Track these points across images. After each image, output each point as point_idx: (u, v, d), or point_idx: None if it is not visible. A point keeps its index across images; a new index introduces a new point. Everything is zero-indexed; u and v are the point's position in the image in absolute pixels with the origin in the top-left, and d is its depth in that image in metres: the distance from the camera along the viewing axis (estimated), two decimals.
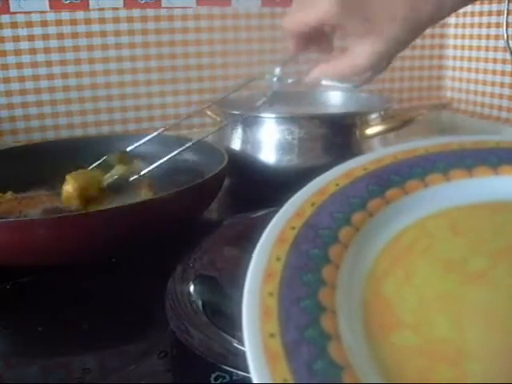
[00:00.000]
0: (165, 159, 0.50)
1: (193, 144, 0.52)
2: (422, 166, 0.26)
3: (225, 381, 0.29)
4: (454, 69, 1.00)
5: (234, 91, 0.54)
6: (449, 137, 0.28)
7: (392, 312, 0.20)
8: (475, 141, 0.28)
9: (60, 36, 0.79)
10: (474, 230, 0.23)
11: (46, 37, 0.78)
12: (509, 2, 0.82)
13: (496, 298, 0.19)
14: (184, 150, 0.52)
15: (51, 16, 0.77)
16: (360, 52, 0.40)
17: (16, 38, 0.77)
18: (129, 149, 0.54)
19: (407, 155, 0.27)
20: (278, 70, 0.48)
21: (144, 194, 0.50)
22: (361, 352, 0.19)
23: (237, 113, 0.61)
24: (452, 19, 0.98)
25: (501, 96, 0.89)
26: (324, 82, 0.46)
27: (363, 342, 0.19)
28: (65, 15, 0.78)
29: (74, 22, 0.79)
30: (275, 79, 0.49)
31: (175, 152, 0.51)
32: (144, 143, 0.56)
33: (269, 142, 0.60)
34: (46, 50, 0.78)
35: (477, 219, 0.24)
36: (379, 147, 0.61)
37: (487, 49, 0.90)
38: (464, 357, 0.18)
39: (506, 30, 0.77)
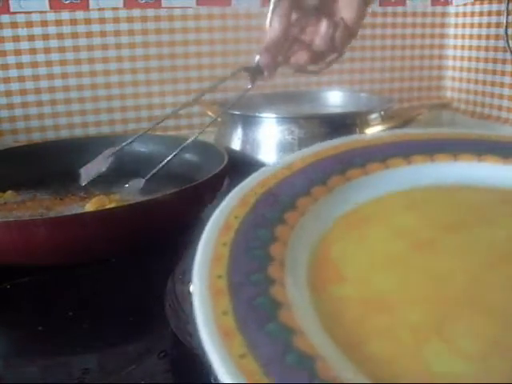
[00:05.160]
0: (161, 165, 0.50)
1: (188, 144, 0.52)
2: (383, 150, 0.28)
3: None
4: (453, 69, 1.00)
5: (220, 83, 0.55)
6: (410, 128, 0.30)
7: (337, 269, 0.21)
8: (436, 132, 0.30)
9: (60, 36, 0.78)
10: (430, 207, 0.25)
11: (45, 37, 0.78)
12: (509, 2, 0.82)
13: (440, 264, 0.21)
14: (181, 149, 0.52)
15: (51, 16, 0.77)
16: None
17: (16, 38, 0.77)
18: (117, 148, 0.53)
19: (373, 142, 0.29)
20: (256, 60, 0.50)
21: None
22: (302, 297, 0.20)
23: (237, 113, 0.61)
24: (452, 19, 0.98)
25: (501, 96, 0.89)
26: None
27: (306, 291, 0.20)
28: (65, 15, 0.78)
29: (73, 22, 0.79)
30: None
31: (171, 155, 0.51)
32: (143, 143, 0.56)
33: (269, 141, 0.60)
34: (46, 50, 0.78)
35: (433, 198, 0.26)
36: None
37: (487, 49, 0.90)
38: (397, 305, 0.19)
39: (506, 29, 0.77)
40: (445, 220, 0.24)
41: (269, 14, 0.48)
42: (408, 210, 0.25)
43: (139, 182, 0.50)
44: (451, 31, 0.98)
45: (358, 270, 0.22)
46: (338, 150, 0.29)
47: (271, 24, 0.48)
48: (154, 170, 0.51)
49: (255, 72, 0.51)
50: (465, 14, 0.95)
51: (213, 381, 0.29)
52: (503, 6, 0.84)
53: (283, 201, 0.25)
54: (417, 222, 0.24)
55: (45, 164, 0.59)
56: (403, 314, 0.19)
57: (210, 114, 0.69)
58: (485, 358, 0.17)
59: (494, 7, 0.88)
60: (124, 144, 0.53)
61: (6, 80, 0.78)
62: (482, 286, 0.20)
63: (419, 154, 0.28)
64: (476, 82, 0.94)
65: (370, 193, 0.26)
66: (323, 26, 0.48)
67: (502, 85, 0.89)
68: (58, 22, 0.78)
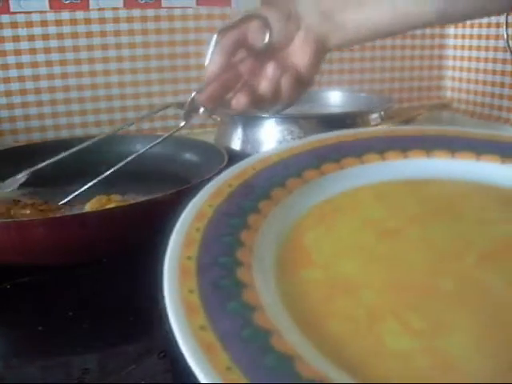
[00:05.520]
0: (131, 157, 0.49)
1: (163, 139, 0.51)
2: (359, 146, 0.29)
3: None
4: (453, 69, 1.00)
5: (145, 118, 0.53)
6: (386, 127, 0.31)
7: (306, 255, 0.23)
8: (410, 129, 0.32)
9: (60, 36, 0.79)
10: (399, 200, 0.26)
11: (45, 37, 0.78)
12: None
13: (402, 253, 0.22)
14: (152, 146, 0.50)
15: (51, 16, 0.77)
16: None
17: (16, 38, 0.77)
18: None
19: (348, 138, 0.30)
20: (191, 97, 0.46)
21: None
22: (269, 279, 0.21)
23: (237, 113, 0.61)
24: None
25: (501, 96, 0.89)
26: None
27: (274, 274, 0.21)
28: (65, 15, 0.78)
29: (73, 22, 0.79)
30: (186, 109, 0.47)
31: (132, 155, 0.49)
32: (142, 143, 0.56)
33: (269, 141, 0.60)
34: (46, 50, 0.78)
35: (403, 192, 0.27)
36: None
37: (487, 49, 0.90)
38: (359, 289, 0.21)
39: (506, 29, 0.77)
40: (411, 212, 0.25)
41: (210, 49, 0.44)
42: (378, 202, 0.26)
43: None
44: (451, 31, 0.99)
45: (327, 256, 0.23)
46: (314, 146, 0.30)
47: (211, 59, 0.45)
48: (118, 165, 0.48)
49: (190, 109, 0.47)
50: None
51: None
52: None
53: (258, 191, 0.25)
54: (385, 214, 0.25)
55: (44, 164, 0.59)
56: (363, 297, 0.20)
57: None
58: (433, 335, 0.18)
59: None
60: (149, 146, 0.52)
61: (6, 80, 0.78)
62: (438, 273, 0.21)
63: (393, 150, 0.29)
64: (476, 82, 0.94)
65: (343, 186, 0.27)
66: (269, 68, 0.45)
67: (502, 85, 0.89)
68: (58, 22, 0.78)
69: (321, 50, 0.46)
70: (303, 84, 0.47)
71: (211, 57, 0.44)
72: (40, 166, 0.50)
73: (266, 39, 0.45)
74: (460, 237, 0.24)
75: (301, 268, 0.22)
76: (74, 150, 0.50)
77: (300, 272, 0.22)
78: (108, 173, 0.48)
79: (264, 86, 0.46)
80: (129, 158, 0.49)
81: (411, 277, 0.21)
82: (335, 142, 0.30)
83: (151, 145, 0.51)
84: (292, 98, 0.47)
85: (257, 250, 0.22)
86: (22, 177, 0.49)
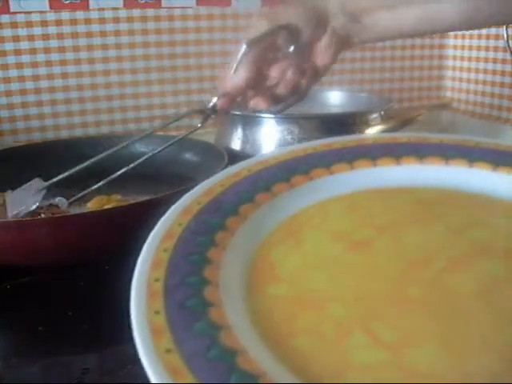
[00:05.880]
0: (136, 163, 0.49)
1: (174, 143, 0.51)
2: (328, 157, 0.29)
3: None
4: (453, 69, 1.00)
5: (173, 122, 0.53)
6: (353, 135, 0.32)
7: (273, 271, 0.22)
8: (379, 137, 0.32)
9: (60, 36, 0.78)
10: (368, 209, 0.26)
11: (45, 37, 0.78)
12: None
13: (370, 263, 0.22)
14: (168, 146, 0.50)
15: (51, 16, 0.77)
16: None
17: (16, 38, 0.77)
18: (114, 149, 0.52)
19: (317, 149, 0.30)
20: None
21: None
22: (236, 297, 0.21)
23: (237, 113, 0.61)
24: None
25: (501, 96, 0.89)
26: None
27: (241, 291, 0.21)
28: (65, 15, 0.78)
29: (74, 22, 0.79)
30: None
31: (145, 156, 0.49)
32: (142, 143, 0.56)
33: (269, 141, 0.60)
34: (46, 50, 0.78)
35: (373, 201, 0.27)
36: None
37: (487, 49, 0.90)
38: (326, 303, 0.21)
39: (506, 29, 0.77)
40: (381, 222, 0.25)
41: (237, 60, 0.44)
42: (347, 213, 0.26)
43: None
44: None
45: (294, 270, 0.23)
46: (283, 159, 0.29)
47: (236, 71, 0.44)
48: (121, 171, 0.48)
49: (209, 113, 0.49)
50: None
51: None
52: None
53: (226, 208, 0.25)
54: (354, 225, 0.25)
55: (45, 164, 0.59)
56: (330, 311, 0.20)
57: None
58: (401, 347, 0.18)
59: None
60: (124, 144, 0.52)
61: (6, 80, 0.78)
62: (406, 282, 0.21)
63: (363, 159, 0.29)
64: (476, 82, 0.94)
65: (313, 198, 0.27)
66: (290, 72, 0.45)
67: (502, 85, 0.89)
68: (58, 22, 0.78)
69: (342, 49, 0.46)
70: (318, 79, 0.47)
71: (237, 68, 0.44)
72: (65, 175, 0.49)
73: (292, 48, 0.45)
74: (429, 244, 0.23)
75: (268, 284, 0.22)
76: (110, 151, 0.49)
77: (267, 288, 0.22)
78: (119, 173, 0.48)
79: (283, 88, 0.46)
80: (142, 159, 0.49)
81: (379, 287, 0.21)
82: (304, 153, 0.30)
83: (167, 145, 0.50)
84: (306, 94, 0.48)
85: (224, 267, 0.22)
86: (43, 189, 0.48)
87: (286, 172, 0.28)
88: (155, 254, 0.22)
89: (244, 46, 0.44)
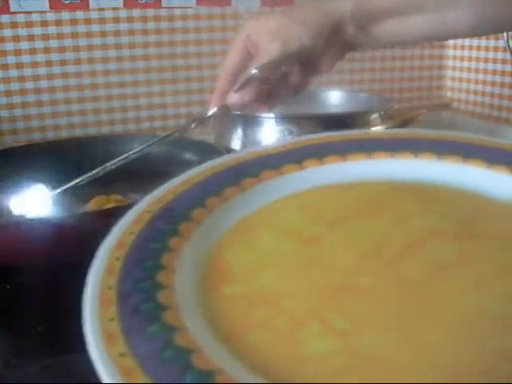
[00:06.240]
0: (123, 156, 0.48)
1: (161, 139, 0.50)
2: (277, 158, 0.30)
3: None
4: (453, 69, 1.00)
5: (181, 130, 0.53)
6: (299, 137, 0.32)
7: (227, 272, 0.23)
8: (324, 136, 0.33)
9: (60, 36, 0.79)
10: (317, 205, 0.27)
11: (45, 37, 0.78)
12: None
13: (322, 257, 0.23)
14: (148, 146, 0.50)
15: (51, 16, 0.77)
16: (262, 50, 0.44)
17: (16, 38, 0.77)
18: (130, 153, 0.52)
19: (266, 152, 0.31)
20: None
21: None
22: (190, 299, 0.21)
23: (237, 113, 0.61)
24: None
25: (501, 96, 0.89)
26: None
27: (195, 293, 0.22)
28: (65, 15, 0.78)
29: (74, 22, 0.79)
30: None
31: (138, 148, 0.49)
32: (141, 143, 0.56)
33: (268, 141, 0.60)
34: (46, 50, 0.79)
35: (323, 198, 0.28)
36: None
37: (487, 49, 0.90)
38: (279, 298, 0.21)
39: None
40: (331, 217, 0.26)
41: (243, 79, 0.44)
42: (298, 211, 0.27)
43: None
44: None
45: (247, 270, 0.23)
46: (232, 163, 0.30)
47: (241, 90, 0.44)
48: (110, 163, 0.47)
49: (204, 120, 0.49)
50: None
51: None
52: None
53: (178, 214, 0.25)
54: (305, 222, 0.25)
55: (45, 164, 0.59)
56: (284, 305, 0.21)
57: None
58: (353, 335, 0.19)
59: None
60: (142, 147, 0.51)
61: (6, 80, 0.78)
62: (358, 272, 0.22)
63: (311, 158, 0.30)
64: (476, 82, 0.94)
65: (264, 199, 0.27)
66: (294, 78, 0.46)
67: (502, 85, 0.89)
68: (58, 22, 0.78)
69: (346, 53, 0.47)
70: (316, 79, 0.48)
71: (242, 87, 0.44)
72: (72, 183, 0.49)
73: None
74: (380, 234, 0.24)
75: (222, 285, 0.22)
76: (143, 147, 0.49)
77: (221, 289, 0.22)
78: (100, 169, 0.47)
79: (285, 91, 0.47)
80: (122, 157, 0.48)
81: (332, 279, 0.22)
82: (253, 156, 0.31)
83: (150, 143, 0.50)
84: (302, 92, 0.48)
85: (179, 271, 0.22)
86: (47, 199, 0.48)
87: (236, 176, 0.29)
88: (108, 263, 0.23)
89: (255, 71, 0.43)
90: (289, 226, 0.26)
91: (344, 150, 0.31)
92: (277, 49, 0.43)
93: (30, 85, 0.79)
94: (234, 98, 0.45)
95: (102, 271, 0.22)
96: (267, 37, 0.44)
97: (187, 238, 0.24)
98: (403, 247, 0.23)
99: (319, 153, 0.30)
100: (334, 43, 0.45)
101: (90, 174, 0.47)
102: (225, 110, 0.47)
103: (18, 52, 0.77)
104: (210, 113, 0.48)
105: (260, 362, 0.18)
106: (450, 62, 1.00)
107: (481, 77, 0.93)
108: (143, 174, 0.52)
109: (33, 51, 0.78)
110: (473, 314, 0.19)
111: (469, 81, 0.96)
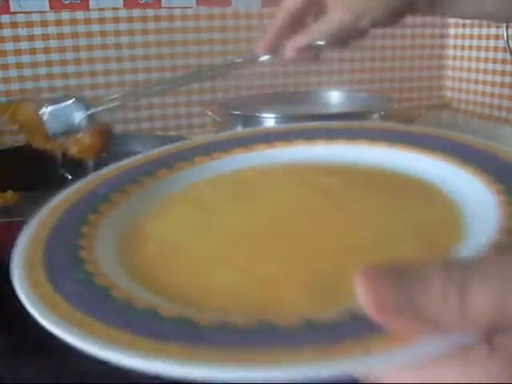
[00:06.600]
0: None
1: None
2: (172, 157, 0.33)
3: None
4: (453, 69, 1.00)
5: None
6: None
7: (145, 237, 0.26)
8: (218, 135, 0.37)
9: (60, 36, 0.79)
10: (223, 188, 0.31)
11: (45, 37, 0.78)
12: None
13: (223, 222, 0.27)
14: None
15: (51, 16, 0.77)
16: (335, 16, 0.44)
17: (16, 38, 0.77)
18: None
19: (177, 149, 0.34)
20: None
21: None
22: (110, 258, 0.24)
23: (237, 113, 0.62)
24: (452, 19, 0.98)
25: (501, 96, 0.89)
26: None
27: (114, 253, 0.24)
28: (65, 15, 0.78)
29: (74, 22, 0.79)
30: None
31: None
32: (141, 143, 0.56)
33: None
34: (46, 50, 0.79)
35: (229, 181, 0.32)
36: None
37: (487, 49, 0.91)
38: (192, 248, 0.25)
39: (506, 29, 0.77)
40: (234, 193, 0.30)
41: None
42: (208, 191, 0.31)
43: None
44: (451, 31, 0.99)
45: (163, 234, 0.26)
46: (150, 157, 0.33)
47: (301, 52, 0.45)
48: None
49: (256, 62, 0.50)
50: None
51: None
52: None
53: (97, 198, 0.28)
54: (212, 197, 0.30)
55: (44, 164, 0.59)
56: (195, 253, 0.24)
57: (209, 113, 0.69)
58: (250, 269, 0.22)
59: None
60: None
61: (6, 80, 0.78)
62: (255, 226, 0.26)
63: (218, 152, 0.33)
64: (476, 82, 0.94)
65: (178, 185, 0.31)
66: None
67: (502, 85, 0.89)
68: (58, 22, 0.78)
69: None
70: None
71: (304, 50, 0.45)
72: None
73: None
74: (275, 206, 0.28)
75: (139, 246, 0.25)
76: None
77: (138, 248, 0.25)
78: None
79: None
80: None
81: (230, 235, 0.26)
82: (170, 151, 0.34)
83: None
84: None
85: (96, 244, 0.25)
86: (84, 114, 0.49)
87: (152, 167, 0.32)
88: (31, 240, 0.25)
89: (321, 42, 0.44)
90: (197, 200, 0.29)
91: (248, 143, 0.34)
92: (347, 22, 0.43)
93: (30, 85, 0.79)
94: (290, 51, 0.46)
95: (29, 236, 0.25)
96: (341, 5, 0.43)
97: (103, 215, 0.27)
98: (290, 206, 0.28)
99: (226, 147, 0.34)
100: (402, 18, 0.44)
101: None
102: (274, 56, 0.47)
103: (18, 52, 0.77)
104: (263, 58, 0.48)
105: (155, 280, 0.22)
106: (450, 62, 1.00)
107: (481, 77, 0.93)
108: None
109: (33, 51, 0.78)
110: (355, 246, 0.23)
111: (469, 81, 0.96)
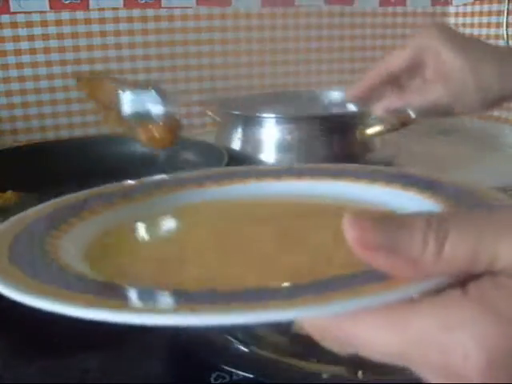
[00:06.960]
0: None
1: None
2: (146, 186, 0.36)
3: (225, 381, 0.29)
4: None
5: None
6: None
7: (107, 249, 0.26)
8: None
9: (60, 36, 0.79)
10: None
11: (45, 37, 0.78)
12: (509, 2, 0.82)
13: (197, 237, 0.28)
14: None
15: (51, 16, 0.77)
16: (433, 92, 0.45)
17: (16, 38, 0.77)
18: None
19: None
20: None
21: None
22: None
23: (237, 113, 0.62)
24: (452, 19, 0.98)
25: None
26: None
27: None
28: (65, 15, 0.78)
29: (74, 22, 0.79)
30: None
31: None
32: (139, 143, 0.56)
33: (269, 141, 0.60)
34: (46, 50, 0.79)
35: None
36: (379, 147, 0.61)
37: None
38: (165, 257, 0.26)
39: (506, 29, 0.77)
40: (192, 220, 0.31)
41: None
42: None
43: None
44: None
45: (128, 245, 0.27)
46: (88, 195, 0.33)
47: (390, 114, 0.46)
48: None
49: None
50: (465, 14, 0.95)
51: (213, 381, 0.29)
52: (503, 6, 0.84)
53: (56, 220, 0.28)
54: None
55: (44, 164, 0.59)
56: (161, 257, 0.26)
57: (209, 113, 0.69)
58: (220, 266, 0.24)
59: (494, 7, 0.88)
60: None
61: (6, 80, 0.78)
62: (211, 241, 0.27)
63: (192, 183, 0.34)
64: None
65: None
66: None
67: None
68: (58, 22, 0.78)
69: None
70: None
71: (394, 113, 0.47)
72: None
73: None
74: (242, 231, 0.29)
75: (102, 258, 0.26)
76: None
77: (103, 259, 0.25)
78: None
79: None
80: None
81: (193, 245, 0.27)
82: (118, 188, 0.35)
83: None
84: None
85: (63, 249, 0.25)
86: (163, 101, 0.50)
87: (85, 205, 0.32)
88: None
89: (413, 115, 0.46)
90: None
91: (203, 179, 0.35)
92: (445, 102, 0.44)
93: (30, 85, 0.79)
94: (380, 110, 0.47)
95: None
96: (442, 80, 0.44)
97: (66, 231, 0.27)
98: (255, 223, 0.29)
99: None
100: (492, 108, 0.46)
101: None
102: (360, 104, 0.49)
103: (18, 52, 0.77)
104: (350, 107, 0.50)
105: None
106: None
107: None
108: (143, 173, 0.52)
109: (33, 51, 0.78)
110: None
111: None
